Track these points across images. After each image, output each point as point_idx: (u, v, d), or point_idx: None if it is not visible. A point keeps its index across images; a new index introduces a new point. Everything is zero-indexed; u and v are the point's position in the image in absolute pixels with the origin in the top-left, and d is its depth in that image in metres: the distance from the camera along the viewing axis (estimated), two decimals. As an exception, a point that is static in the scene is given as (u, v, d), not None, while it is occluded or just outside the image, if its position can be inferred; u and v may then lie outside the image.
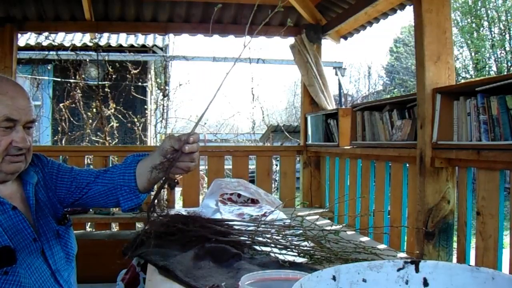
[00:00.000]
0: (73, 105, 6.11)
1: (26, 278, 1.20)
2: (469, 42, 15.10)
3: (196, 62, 8.75)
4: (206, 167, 3.70)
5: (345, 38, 3.46)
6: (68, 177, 1.46)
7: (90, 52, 6.07)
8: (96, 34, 5.00)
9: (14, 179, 1.32)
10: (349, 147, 2.77)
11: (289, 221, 1.72)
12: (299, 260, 1.49)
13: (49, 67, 6.68)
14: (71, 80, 6.27)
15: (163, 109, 7.31)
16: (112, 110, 5.96)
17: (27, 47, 6.19)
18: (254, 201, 2.68)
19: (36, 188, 1.37)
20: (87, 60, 6.28)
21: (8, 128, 1.22)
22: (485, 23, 15.18)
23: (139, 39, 7.00)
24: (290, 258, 1.46)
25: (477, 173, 1.74)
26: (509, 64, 14.38)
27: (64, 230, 1.39)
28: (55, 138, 6.34)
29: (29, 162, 1.33)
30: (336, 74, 10.01)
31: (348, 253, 1.52)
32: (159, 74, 7.57)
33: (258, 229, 1.64)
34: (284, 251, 1.53)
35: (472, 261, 1.80)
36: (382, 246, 1.89)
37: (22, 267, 1.20)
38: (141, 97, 6.68)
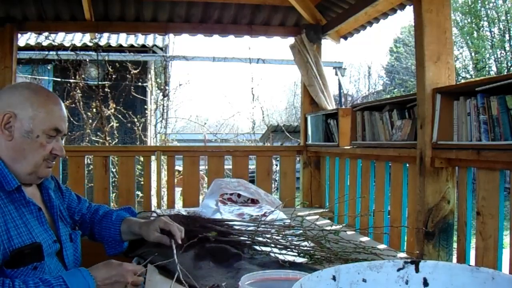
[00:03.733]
0: (73, 105, 6.11)
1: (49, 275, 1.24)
2: (469, 42, 15.11)
3: (196, 62, 8.75)
4: (206, 167, 3.70)
5: (345, 38, 3.46)
6: (75, 198, 1.63)
7: (90, 52, 6.07)
8: (96, 34, 4.99)
9: None
10: (349, 147, 2.77)
11: (289, 221, 1.72)
12: (299, 260, 1.49)
13: (49, 67, 6.68)
14: (71, 80, 6.27)
15: (163, 109, 7.31)
16: (112, 110, 5.96)
17: (27, 47, 6.18)
18: (254, 201, 2.68)
19: (54, 194, 1.46)
20: (87, 60, 6.28)
21: (52, 137, 1.32)
22: (485, 23, 15.18)
23: (139, 39, 6.99)
24: (290, 258, 1.46)
25: (477, 173, 1.74)
26: (509, 64, 14.38)
27: (75, 236, 1.47)
28: (55, 138, 6.33)
29: None
30: (336, 74, 10.00)
31: (348, 253, 1.52)
32: (159, 74, 7.56)
33: (258, 229, 1.64)
34: (284, 251, 1.53)
35: (472, 261, 1.80)
36: (382, 246, 1.89)
37: (46, 264, 1.26)
38: (141, 97, 6.68)
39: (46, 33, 5.76)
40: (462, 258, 1.85)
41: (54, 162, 1.38)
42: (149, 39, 7.05)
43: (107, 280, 1.20)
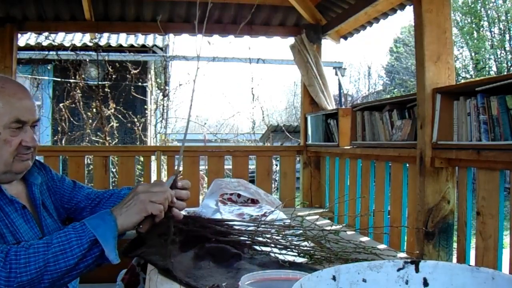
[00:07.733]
0: (73, 105, 6.12)
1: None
2: (469, 42, 15.10)
3: (196, 62, 8.73)
4: (206, 167, 3.69)
5: (345, 38, 3.46)
6: (71, 184, 1.55)
7: (90, 52, 6.08)
8: (96, 34, 4.99)
9: (19, 180, 1.34)
10: (349, 147, 2.77)
11: (289, 221, 1.72)
12: (299, 260, 1.49)
13: (49, 67, 6.68)
14: (71, 80, 6.27)
15: (163, 109, 7.31)
16: (112, 110, 5.97)
17: (27, 47, 6.19)
18: (254, 201, 2.68)
19: (41, 189, 1.41)
20: (87, 60, 6.28)
21: (17, 128, 1.24)
22: (485, 23, 15.18)
23: (139, 39, 6.99)
24: (290, 258, 1.46)
25: (477, 173, 1.74)
26: (509, 64, 14.39)
27: None
28: (55, 138, 6.35)
29: (32, 164, 1.35)
30: (336, 74, 10.01)
31: (348, 253, 1.51)
32: (159, 74, 7.56)
33: (258, 229, 1.64)
34: (284, 251, 1.53)
35: (472, 261, 1.80)
36: (382, 246, 1.89)
37: None
38: (141, 97, 6.68)
39: (46, 33, 5.76)
40: (462, 258, 1.85)
41: (30, 153, 1.28)
42: (149, 39, 7.05)
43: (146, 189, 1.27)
